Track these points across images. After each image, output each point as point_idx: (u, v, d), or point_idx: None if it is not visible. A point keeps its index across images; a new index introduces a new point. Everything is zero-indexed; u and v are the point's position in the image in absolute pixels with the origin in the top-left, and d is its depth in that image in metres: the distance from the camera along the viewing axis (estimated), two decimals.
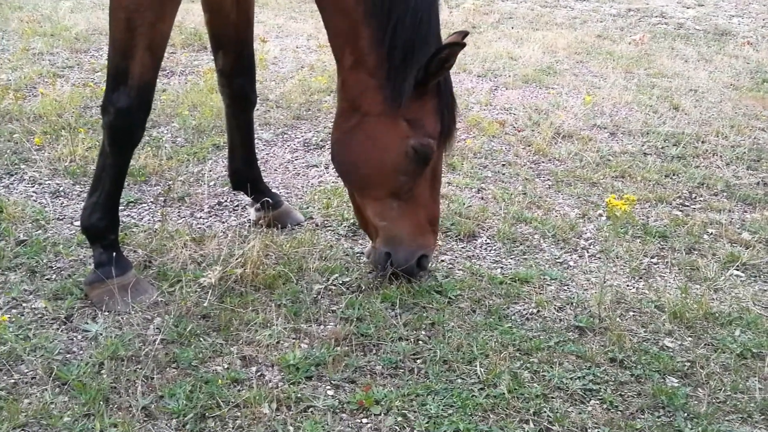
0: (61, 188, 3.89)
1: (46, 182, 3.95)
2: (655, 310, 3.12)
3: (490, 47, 7.27)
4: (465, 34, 2.99)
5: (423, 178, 2.92)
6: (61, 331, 2.72)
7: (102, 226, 2.90)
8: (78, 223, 3.50)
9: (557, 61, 7.07)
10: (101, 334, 2.69)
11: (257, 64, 5.29)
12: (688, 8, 10.30)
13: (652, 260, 3.56)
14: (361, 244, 3.52)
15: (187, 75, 5.83)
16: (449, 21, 7.98)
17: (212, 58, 6.44)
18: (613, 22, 9.13)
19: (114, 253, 2.92)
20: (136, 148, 2.93)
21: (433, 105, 2.85)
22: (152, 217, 3.67)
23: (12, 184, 3.92)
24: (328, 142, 4.71)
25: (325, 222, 3.71)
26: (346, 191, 3.99)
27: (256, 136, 4.65)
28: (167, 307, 2.87)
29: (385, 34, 2.73)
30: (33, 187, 3.90)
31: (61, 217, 3.59)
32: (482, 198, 4.12)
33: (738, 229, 3.91)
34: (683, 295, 3.19)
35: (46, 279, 3.05)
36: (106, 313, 2.82)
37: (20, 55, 5.73)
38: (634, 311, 3.12)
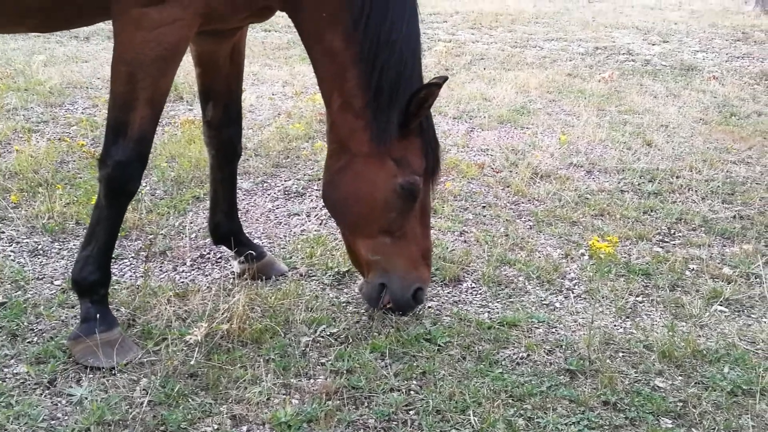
0: (40, 246, 3.83)
1: (24, 241, 3.89)
2: (644, 350, 3.13)
3: (463, 89, 7.38)
4: (444, 79, 3.05)
5: (413, 214, 3.00)
6: (45, 396, 2.65)
7: (93, 280, 2.87)
8: (59, 282, 3.47)
9: (530, 100, 7.19)
10: (86, 398, 2.63)
11: None
12: (653, 45, 10.58)
13: (637, 299, 3.58)
14: (347, 293, 3.50)
15: (164, 126, 5.82)
16: (423, 64, 8.08)
17: (189, 107, 6.47)
18: (582, 61, 9.33)
19: (102, 308, 2.89)
20: (131, 200, 2.92)
21: (417, 144, 2.96)
22: (134, 272, 3.62)
23: None
24: (309, 190, 4.75)
25: (310, 271, 3.68)
26: (329, 239, 4.02)
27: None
28: (153, 367, 2.82)
29: (371, 77, 2.86)
30: (11, 245, 3.84)
31: (41, 277, 3.53)
32: (465, 241, 4.13)
33: (719, 263, 3.97)
34: (670, 333, 3.21)
35: (28, 342, 2.98)
36: (91, 376, 2.76)
37: None
38: (623, 352, 3.12)
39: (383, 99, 2.87)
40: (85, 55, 8.25)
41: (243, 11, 2.97)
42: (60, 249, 3.82)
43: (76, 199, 4.32)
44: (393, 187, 2.93)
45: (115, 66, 2.73)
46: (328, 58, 2.93)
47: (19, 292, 3.34)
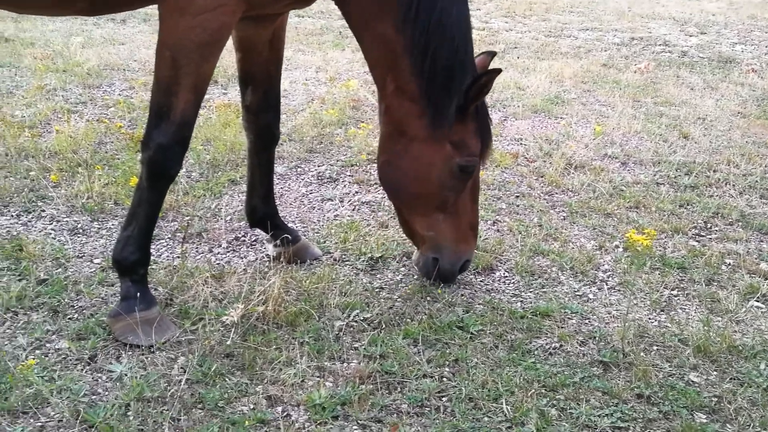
0: (80, 225, 3.91)
1: (64, 219, 3.97)
2: (679, 344, 3.11)
3: (498, 78, 7.31)
4: (493, 54, 3.09)
5: (465, 191, 3.16)
6: (86, 371, 2.72)
7: (134, 260, 2.93)
8: (98, 260, 3.53)
9: (565, 90, 7.12)
10: (126, 375, 2.68)
11: None
12: (690, 36, 10.40)
13: (672, 292, 3.55)
14: (380, 279, 3.52)
15: (201, 109, 5.87)
16: None
17: (223, 91, 6.51)
18: (618, 51, 9.21)
19: (141, 288, 2.95)
20: (172, 183, 2.98)
21: (473, 126, 3.08)
22: (170, 253, 3.68)
23: (30, 221, 3.93)
24: (342, 176, 4.77)
25: (343, 256, 3.71)
26: (362, 225, 4.04)
27: None
28: (191, 346, 2.87)
29: (424, 63, 2.92)
30: (51, 224, 3.91)
31: (80, 255, 3.60)
32: (498, 230, 4.12)
33: (756, 259, 3.91)
34: (706, 327, 3.18)
35: (69, 318, 3.04)
36: (130, 353, 2.82)
37: (34, 92, 5.77)
38: (657, 345, 3.11)
39: (437, 85, 2.95)
40: (122, 38, 8.34)
41: None
42: (99, 228, 3.88)
43: (114, 179, 4.38)
44: (450, 168, 3.06)
45: (159, 51, 2.77)
46: (379, 46, 2.99)
47: (60, 270, 3.41)
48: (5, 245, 3.56)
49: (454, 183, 3.10)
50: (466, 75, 2.97)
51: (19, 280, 3.27)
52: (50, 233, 3.82)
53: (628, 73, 7.92)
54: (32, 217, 3.98)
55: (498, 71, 2.97)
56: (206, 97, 6.22)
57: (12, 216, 3.97)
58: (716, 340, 3.10)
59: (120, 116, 5.59)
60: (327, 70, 7.26)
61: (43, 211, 4.04)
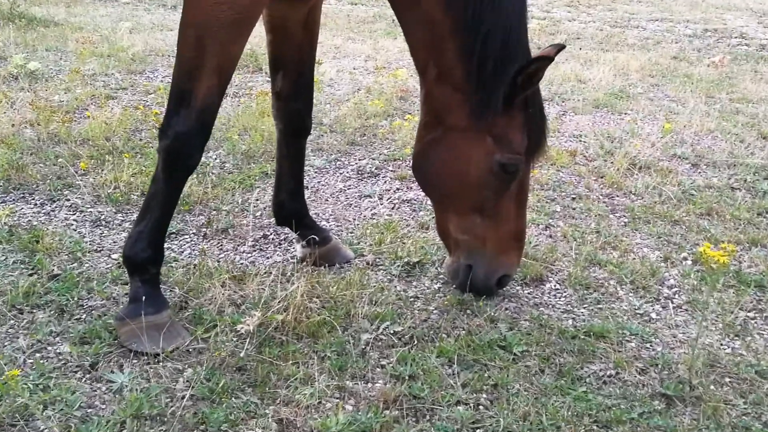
0: (103, 216, 3.70)
1: (88, 210, 3.77)
2: (756, 377, 2.68)
3: (557, 69, 6.89)
4: (561, 47, 2.72)
5: (509, 194, 2.80)
6: (85, 380, 2.48)
7: (144, 258, 2.68)
8: (116, 255, 3.31)
9: (630, 84, 6.64)
10: (126, 386, 2.43)
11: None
12: None
13: (748, 314, 3.12)
14: (416, 287, 3.20)
15: (240, 97, 5.65)
16: None
17: (267, 79, 6.27)
18: (690, 43, 8.62)
19: (152, 289, 2.70)
20: (191, 175, 2.71)
21: (520, 120, 2.72)
22: (193, 250, 3.43)
23: (53, 210, 3.75)
24: (383, 171, 4.46)
25: (377, 260, 3.39)
26: (401, 225, 3.72)
27: (307, 162, 4.43)
28: (200, 357, 2.60)
29: (474, 46, 2.61)
30: (74, 214, 3.72)
31: (99, 249, 3.39)
32: (551, 236, 3.74)
33: None
34: None
35: (75, 319, 2.82)
36: (135, 361, 2.57)
37: (73, 76, 5.63)
38: (730, 377, 2.69)
39: (487, 71, 2.62)
40: (171, 24, 8.21)
41: None
42: (122, 221, 3.67)
43: (144, 169, 4.17)
44: (489, 165, 2.72)
45: (182, 30, 2.51)
46: (423, 26, 2.68)
47: (75, 264, 3.20)
48: (23, 236, 3.37)
49: (493, 182, 2.75)
50: (517, 62, 2.62)
51: (30, 275, 3.07)
52: (72, 224, 3.62)
53: (701, 67, 7.36)
54: (56, 206, 3.79)
55: (550, 58, 2.59)
56: (249, 84, 6.03)
57: (36, 204, 3.80)
58: None
59: (159, 103, 5.41)
60: (376, 59, 6.95)
61: (68, 200, 3.86)
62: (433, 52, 2.71)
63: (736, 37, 9.08)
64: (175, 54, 2.61)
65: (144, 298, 2.64)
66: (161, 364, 2.54)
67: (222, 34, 2.45)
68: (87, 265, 3.22)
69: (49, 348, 2.64)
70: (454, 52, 2.66)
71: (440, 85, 2.73)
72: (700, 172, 4.67)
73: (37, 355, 2.59)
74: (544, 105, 2.86)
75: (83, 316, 2.84)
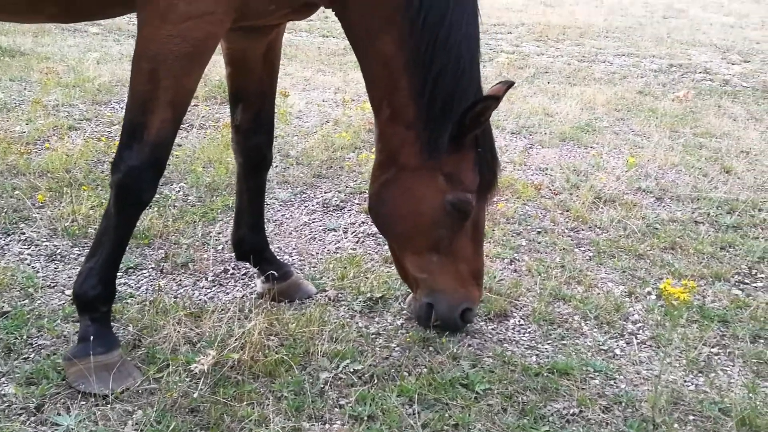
0: (58, 250, 3.60)
1: (44, 244, 3.67)
2: (720, 414, 2.65)
3: (525, 103, 6.95)
4: (510, 84, 2.71)
5: (463, 231, 2.78)
6: (29, 423, 2.37)
7: (94, 295, 2.59)
8: (69, 291, 3.20)
9: (596, 118, 6.71)
10: (72, 429, 2.33)
11: (278, 119, 5.04)
12: (733, 64, 9.91)
13: (712, 350, 3.10)
14: (378, 323, 3.14)
15: (206, 129, 5.60)
16: (483, 75, 7.70)
17: None
18: (655, 78, 8.76)
19: (102, 328, 2.61)
20: (144, 210, 2.65)
21: (471, 159, 2.73)
22: (151, 285, 3.34)
23: (8, 244, 3.64)
24: (349, 204, 4.42)
25: (339, 295, 3.33)
26: (364, 259, 3.67)
27: (272, 195, 4.38)
28: (151, 398, 2.51)
29: (425, 85, 2.60)
30: (29, 248, 3.62)
31: (52, 285, 3.29)
32: (515, 270, 3.71)
33: None
34: (751, 394, 2.73)
35: (23, 358, 2.71)
36: (83, 402, 2.47)
37: (35, 107, 5.53)
38: (694, 415, 2.66)
39: (436, 109, 2.62)
40: None
41: (282, 7, 2.67)
42: (78, 255, 3.57)
43: (103, 201, 4.08)
44: (441, 204, 2.71)
45: (136, 62, 2.47)
46: (378, 63, 2.67)
47: (26, 301, 3.10)
48: None
49: (447, 221, 2.73)
50: (468, 101, 2.61)
51: None
52: (26, 258, 3.52)
53: (666, 102, 7.47)
54: (10, 240, 3.69)
55: (497, 98, 2.59)
56: (217, 116, 5.97)
57: None
58: (764, 411, 2.64)
59: None
60: (346, 92, 6.96)
61: (23, 233, 3.75)
62: (387, 89, 2.69)
63: (700, 72, 9.27)
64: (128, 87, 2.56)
65: (93, 337, 2.56)
66: (110, 405, 2.45)
67: (176, 67, 2.41)
68: (39, 301, 3.12)
69: None
70: (406, 90, 2.65)
71: (393, 123, 2.72)
72: (664, 206, 4.70)
73: None
74: (495, 143, 2.86)
75: (31, 356, 2.73)
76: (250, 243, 3.23)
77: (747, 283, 3.73)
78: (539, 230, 4.20)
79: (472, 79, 2.68)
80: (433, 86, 2.59)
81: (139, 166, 2.46)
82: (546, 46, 10.73)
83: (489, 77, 7.77)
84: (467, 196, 2.72)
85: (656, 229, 4.29)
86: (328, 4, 2.71)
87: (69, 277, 3.34)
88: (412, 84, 2.62)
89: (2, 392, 2.52)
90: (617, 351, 3.06)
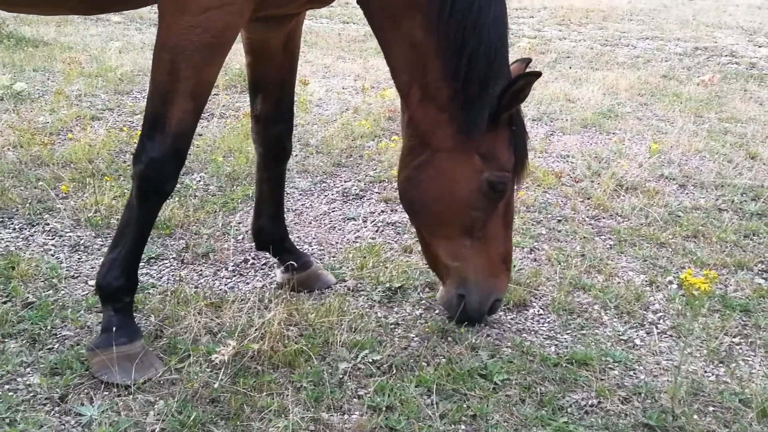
0: (82, 241, 3.66)
1: (67, 234, 3.72)
2: (740, 405, 2.63)
3: (546, 89, 6.88)
4: (528, 61, 2.72)
5: (496, 213, 2.78)
6: (53, 414, 2.42)
7: (117, 286, 2.62)
8: (93, 282, 3.25)
9: (619, 103, 6.63)
10: (95, 419, 2.37)
11: (298, 108, 5.06)
12: (760, 47, 9.72)
13: (733, 340, 3.07)
14: (397, 313, 3.15)
15: (227, 118, 5.62)
16: None
17: None
18: (680, 62, 8.63)
19: (125, 318, 2.64)
20: (170, 198, 2.68)
21: (505, 137, 2.73)
22: (173, 275, 3.38)
23: (32, 235, 3.70)
24: (368, 192, 4.42)
25: (358, 285, 3.35)
26: (384, 249, 3.67)
27: (292, 184, 4.40)
28: (173, 388, 2.54)
29: (459, 66, 2.60)
30: (53, 239, 3.67)
31: (76, 275, 3.34)
32: (535, 260, 3.70)
33: None
34: None
35: (48, 349, 2.76)
36: (106, 393, 2.51)
37: (58, 98, 5.59)
38: (714, 406, 2.64)
39: (472, 90, 2.62)
40: None
41: None
42: (102, 245, 3.62)
43: (126, 191, 4.13)
44: (479, 183, 2.71)
45: (157, 53, 2.48)
46: (405, 49, 2.67)
47: (50, 291, 3.16)
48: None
49: (482, 202, 2.72)
50: (501, 81, 2.63)
51: (5, 302, 3.02)
52: (50, 249, 3.58)
53: (691, 86, 7.36)
54: (35, 231, 3.75)
55: (537, 74, 2.61)
56: (237, 104, 6.00)
57: (14, 229, 3.75)
58: None
59: None
60: (365, 78, 6.94)
61: (47, 224, 3.81)
62: (416, 74, 2.69)
63: (726, 56, 9.11)
64: (150, 78, 2.58)
65: (116, 327, 2.59)
66: (132, 396, 2.49)
67: (196, 58, 2.42)
68: (63, 292, 3.17)
69: (19, 379, 2.58)
70: (437, 73, 2.64)
71: (425, 107, 2.71)
72: (687, 193, 4.64)
73: (6, 387, 2.53)
74: (524, 122, 2.86)
75: (56, 346, 2.78)
76: (270, 233, 3.25)
77: None
78: (560, 218, 4.17)
79: (504, 60, 2.69)
80: (468, 68, 2.59)
81: (160, 157, 2.48)
82: (568, 30, 10.61)
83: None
84: (505, 174, 2.72)
85: (679, 216, 4.25)
86: None
87: (92, 268, 3.39)
88: (445, 67, 2.62)
89: (27, 382, 2.56)
90: (637, 341, 3.05)
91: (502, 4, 2.66)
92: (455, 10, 2.56)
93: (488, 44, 2.61)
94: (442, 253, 2.84)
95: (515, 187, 2.86)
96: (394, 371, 2.72)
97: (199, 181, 4.47)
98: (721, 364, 2.91)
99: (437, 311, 3.11)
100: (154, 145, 2.48)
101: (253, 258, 3.58)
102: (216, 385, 2.53)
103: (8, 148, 4.68)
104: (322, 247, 3.76)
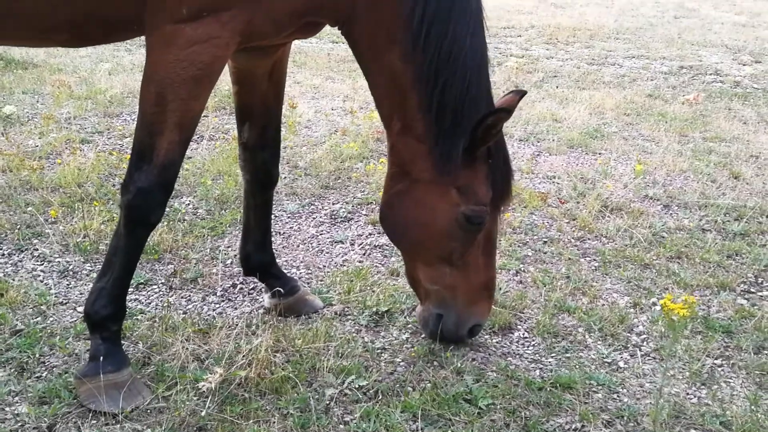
0: (71, 266, 3.67)
1: (56, 260, 3.74)
2: (721, 428, 2.67)
3: (533, 108, 6.96)
4: (522, 94, 2.74)
5: (476, 243, 2.80)
6: None
7: (105, 315, 2.65)
8: (81, 308, 3.27)
9: (605, 123, 6.71)
10: None
11: (287, 130, 5.10)
12: (744, 65, 9.85)
13: (715, 362, 3.12)
14: (383, 337, 3.18)
15: (216, 140, 5.66)
16: (492, 81, 7.70)
17: None
18: (665, 81, 8.74)
19: (112, 346, 2.67)
20: (153, 230, 2.71)
21: (484, 171, 2.74)
22: (161, 301, 3.41)
23: (21, 261, 3.72)
24: (356, 215, 4.46)
25: (345, 309, 3.38)
26: (371, 272, 3.71)
27: (280, 207, 4.44)
28: (160, 416, 2.56)
29: (432, 98, 2.61)
30: (41, 265, 3.69)
31: (64, 301, 3.36)
32: (521, 282, 3.74)
33: None
34: (753, 408, 2.74)
35: (36, 377, 2.78)
36: (94, 421, 2.53)
37: (47, 121, 5.62)
38: (696, 428, 2.68)
39: (446, 122, 2.64)
40: None
41: (286, 28, 2.72)
42: (90, 271, 3.64)
43: (114, 216, 4.15)
44: (454, 216, 2.72)
45: (144, 86, 2.52)
46: (385, 79, 2.71)
47: (39, 318, 3.17)
48: None
49: (460, 234, 2.74)
50: (478, 112, 2.63)
51: None
52: (39, 275, 3.59)
53: (676, 105, 7.46)
54: (24, 257, 3.77)
55: (508, 111, 2.61)
56: (226, 126, 6.04)
57: (3, 255, 3.77)
58: (765, 424, 2.66)
59: None
60: (354, 99, 7.00)
61: (36, 249, 3.83)
62: (396, 104, 2.72)
63: (710, 74, 9.23)
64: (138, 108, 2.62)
65: (104, 355, 2.62)
66: (120, 424, 2.51)
67: (183, 91, 2.46)
68: (51, 318, 3.19)
69: (7, 409, 2.59)
70: (414, 104, 2.66)
71: (404, 137, 2.74)
72: (671, 214, 4.70)
73: None
74: (508, 153, 2.87)
75: (44, 374, 2.80)
76: (257, 259, 3.28)
77: (753, 292, 3.74)
78: (545, 240, 4.22)
79: (481, 91, 2.68)
80: (440, 99, 2.61)
81: (147, 187, 2.51)
82: (555, 48, 10.72)
83: (498, 82, 7.79)
84: (482, 208, 2.73)
85: (663, 237, 4.30)
86: (333, 23, 2.75)
87: (81, 294, 3.41)
88: (420, 98, 2.64)
89: (15, 412, 2.58)
90: (621, 363, 3.09)
91: (480, 35, 2.68)
92: (429, 41, 2.57)
93: (463, 75, 2.62)
94: (421, 277, 2.88)
95: (498, 217, 2.86)
96: (380, 397, 2.75)
97: (188, 204, 4.50)
98: (703, 386, 2.95)
99: (423, 335, 3.14)
100: (141, 176, 2.52)
101: (241, 283, 3.60)
102: (203, 413, 2.55)
103: None
104: (309, 271, 3.79)
